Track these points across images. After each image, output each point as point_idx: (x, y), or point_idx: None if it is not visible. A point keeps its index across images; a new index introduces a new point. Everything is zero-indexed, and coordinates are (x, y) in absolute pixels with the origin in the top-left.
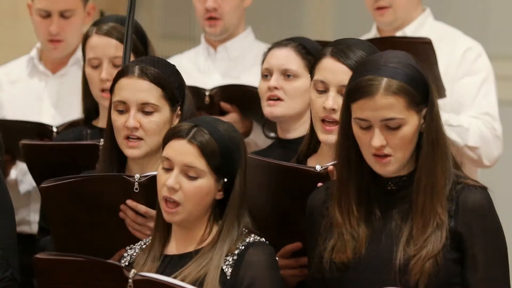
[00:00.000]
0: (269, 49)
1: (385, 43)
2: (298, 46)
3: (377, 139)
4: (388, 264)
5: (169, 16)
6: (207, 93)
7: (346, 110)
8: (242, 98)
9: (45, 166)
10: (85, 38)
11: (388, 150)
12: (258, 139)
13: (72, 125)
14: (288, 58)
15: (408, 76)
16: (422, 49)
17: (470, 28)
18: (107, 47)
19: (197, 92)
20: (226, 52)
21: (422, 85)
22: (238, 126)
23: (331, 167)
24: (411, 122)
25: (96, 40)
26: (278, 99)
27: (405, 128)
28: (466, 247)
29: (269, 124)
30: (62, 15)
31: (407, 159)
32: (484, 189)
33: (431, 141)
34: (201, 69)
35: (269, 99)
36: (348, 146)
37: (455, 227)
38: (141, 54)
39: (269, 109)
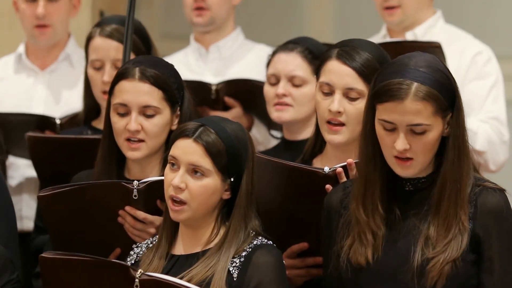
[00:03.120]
0: (274, 53)
1: (395, 46)
2: (305, 51)
3: (401, 142)
4: (405, 265)
5: (169, 16)
6: (213, 88)
7: (371, 109)
8: (247, 93)
9: (49, 159)
10: (88, 39)
11: (410, 153)
12: (258, 136)
13: (74, 118)
14: (295, 64)
15: (437, 82)
16: (432, 53)
17: (472, 28)
18: (110, 50)
19: (203, 87)
20: (218, 52)
21: (449, 91)
22: (240, 121)
23: (339, 169)
24: (436, 128)
25: (99, 42)
26: (287, 104)
27: (430, 134)
28: (483, 249)
29: (274, 125)
30: None
31: (428, 163)
32: (502, 191)
33: (458, 147)
34: (193, 69)
35: (277, 104)
36: (372, 145)
37: (473, 229)
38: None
39: (277, 114)
